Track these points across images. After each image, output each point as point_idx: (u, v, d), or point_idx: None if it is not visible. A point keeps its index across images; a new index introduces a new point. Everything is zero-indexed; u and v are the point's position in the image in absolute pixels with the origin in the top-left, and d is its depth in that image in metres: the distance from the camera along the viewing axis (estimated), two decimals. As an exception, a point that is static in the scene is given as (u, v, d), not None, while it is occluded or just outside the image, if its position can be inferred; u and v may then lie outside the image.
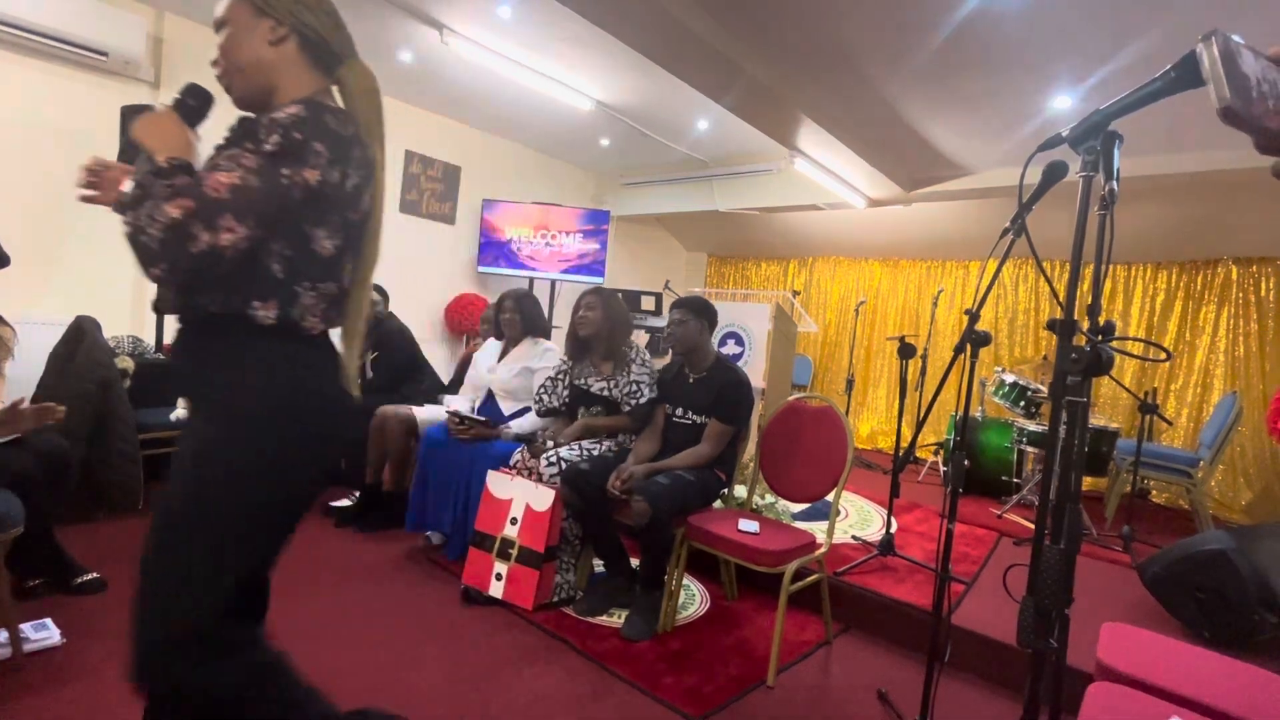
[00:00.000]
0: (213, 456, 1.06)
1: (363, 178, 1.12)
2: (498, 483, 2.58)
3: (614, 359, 2.72)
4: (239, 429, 1.07)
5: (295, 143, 1.02)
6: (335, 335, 1.22)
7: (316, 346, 1.16)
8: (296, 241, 1.07)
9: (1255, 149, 0.58)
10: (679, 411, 2.65)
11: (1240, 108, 0.49)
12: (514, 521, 2.49)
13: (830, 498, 2.44)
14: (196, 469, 1.06)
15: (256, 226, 1.00)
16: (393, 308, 3.74)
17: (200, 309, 1.07)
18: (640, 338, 5.02)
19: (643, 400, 2.66)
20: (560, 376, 2.83)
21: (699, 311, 2.61)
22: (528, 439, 2.76)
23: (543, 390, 2.84)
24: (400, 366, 3.57)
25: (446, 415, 2.91)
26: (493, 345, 3.26)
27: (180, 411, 2.95)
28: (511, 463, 2.66)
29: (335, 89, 1.22)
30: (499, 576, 2.45)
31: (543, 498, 2.47)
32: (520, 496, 2.51)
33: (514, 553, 2.45)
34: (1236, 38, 0.54)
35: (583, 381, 2.77)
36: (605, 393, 2.71)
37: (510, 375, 3.03)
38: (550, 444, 2.63)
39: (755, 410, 3.49)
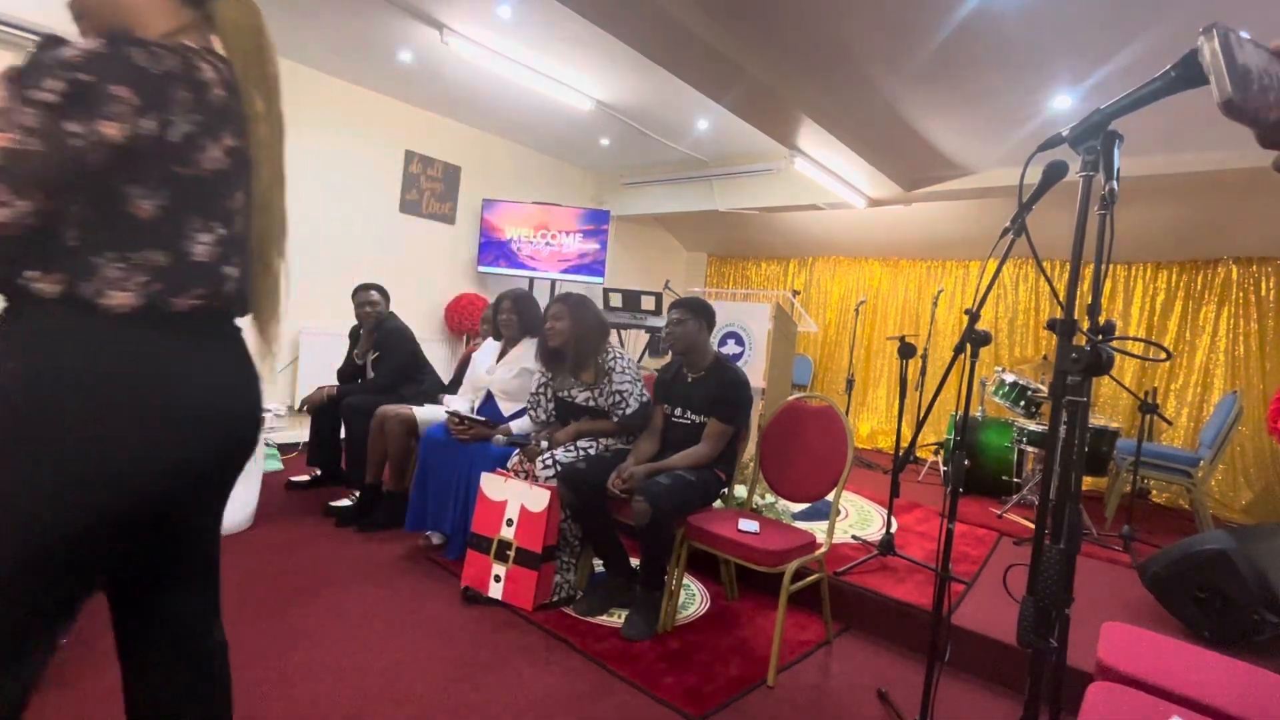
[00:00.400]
0: None
1: (199, 125, 0.90)
2: (492, 485, 2.56)
3: (590, 368, 2.67)
4: None
5: (83, 88, 0.79)
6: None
7: (153, 329, 0.89)
8: (101, 201, 0.85)
9: (1257, 142, 0.57)
10: (677, 411, 2.64)
11: (1241, 101, 0.50)
12: (510, 523, 2.48)
13: (830, 497, 2.44)
14: None
15: (46, 199, 0.80)
16: (393, 308, 3.74)
17: None
18: (640, 337, 5.03)
19: (629, 410, 2.62)
20: (543, 390, 2.81)
21: (697, 311, 2.60)
22: (520, 442, 2.75)
23: (529, 406, 2.83)
24: (401, 366, 3.58)
25: (446, 415, 2.91)
26: (491, 346, 3.26)
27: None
28: (509, 465, 2.65)
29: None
30: (497, 578, 2.45)
31: (538, 498, 2.46)
32: (515, 498, 2.50)
33: (511, 554, 2.45)
34: (1243, 33, 0.53)
35: (566, 394, 2.74)
36: (590, 403, 2.69)
37: (509, 376, 3.03)
38: (545, 444, 2.63)
39: (755, 410, 3.49)
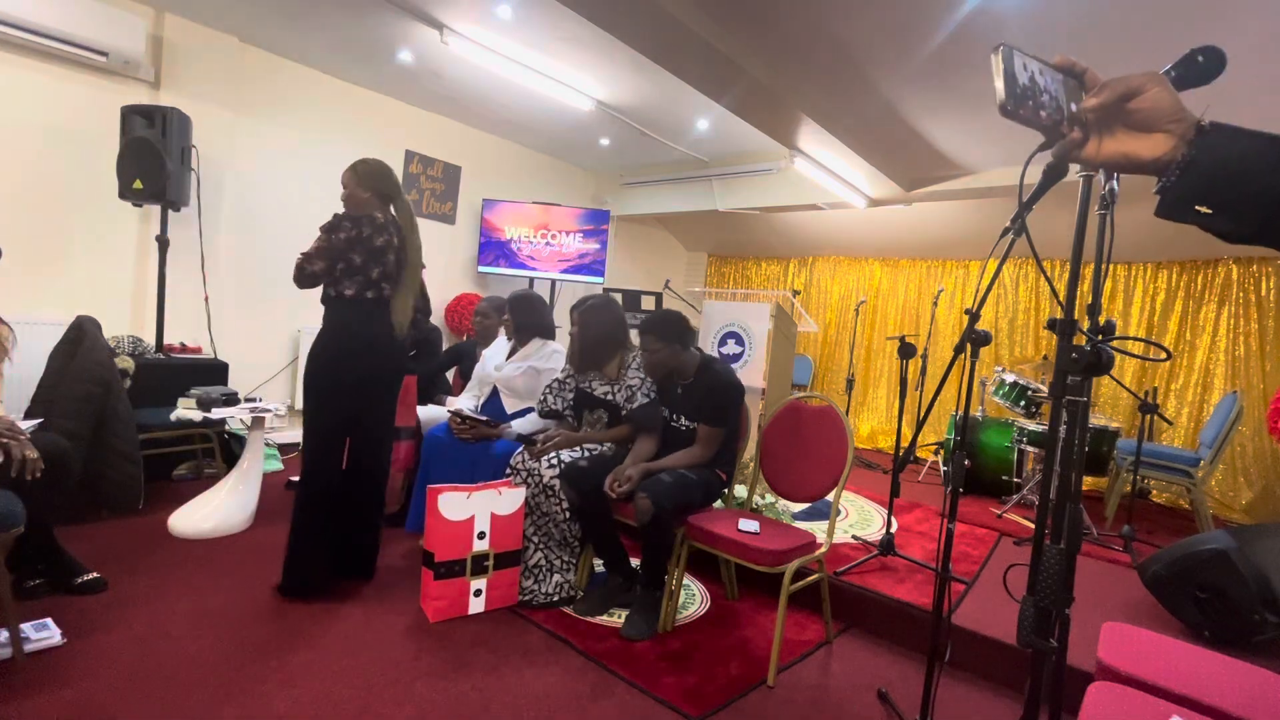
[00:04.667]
0: None
1: (364, 255, 2.39)
2: (451, 504, 2.33)
3: (613, 363, 2.72)
4: None
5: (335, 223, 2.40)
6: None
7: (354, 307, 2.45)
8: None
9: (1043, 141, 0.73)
10: (673, 418, 2.65)
11: (1013, 107, 0.65)
12: (482, 535, 2.39)
13: (830, 497, 2.44)
14: None
15: (327, 264, 2.38)
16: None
17: None
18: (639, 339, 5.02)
19: (636, 405, 2.64)
20: (567, 379, 2.84)
21: (667, 336, 2.55)
22: (527, 440, 2.75)
23: (548, 391, 2.84)
24: (440, 366, 3.66)
25: (449, 415, 2.91)
26: (502, 342, 3.27)
27: (180, 411, 2.95)
28: (511, 463, 2.65)
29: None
30: (478, 593, 2.39)
31: (510, 500, 2.44)
32: (483, 509, 2.39)
33: (490, 564, 2.41)
34: (1028, 53, 0.67)
35: (587, 385, 2.77)
36: (609, 397, 2.71)
37: (516, 373, 3.03)
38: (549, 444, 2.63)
39: (755, 410, 3.49)
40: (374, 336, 2.42)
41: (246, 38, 4.13)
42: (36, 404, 2.78)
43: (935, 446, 5.32)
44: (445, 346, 3.95)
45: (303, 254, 2.32)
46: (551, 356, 3.04)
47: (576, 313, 2.76)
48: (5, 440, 1.79)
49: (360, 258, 2.35)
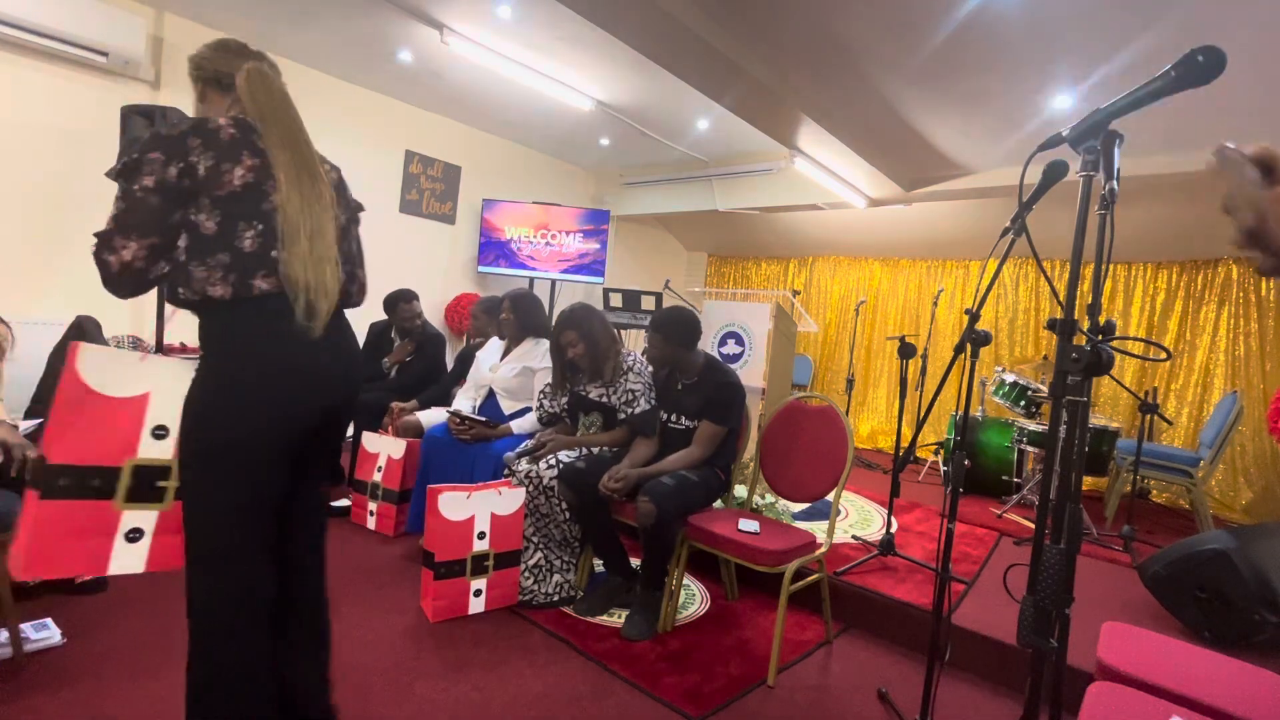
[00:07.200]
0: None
1: (215, 158, 1.25)
2: (451, 504, 2.33)
3: (605, 375, 2.67)
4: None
5: (131, 162, 1.22)
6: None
7: (240, 310, 1.28)
8: (190, 230, 1.26)
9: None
10: (671, 417, 2.65)
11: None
12: (482, 535, 2.39)
13: (830, 497, 2.44)
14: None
15: (143, 235, 1.23)
16: (394, 308, 3.76)
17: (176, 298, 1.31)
18: (640, 337, 5.02)
19: (638, 410, 2.63)
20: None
21: (671, 339, 2.58)
22: (529, 450, 2.70)
23: (543, 396, 2.83)
24: (430, 369, 3.65)
25: (448, 415, 2.92)
26: (495, 344, 3.27)
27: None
28: (505, 461, 2.65)
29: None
30: (478, 593, 2.39)
31: (510, 500, 2.44)
32: (483, 509, 2.39)
33: (490, 563, 2.41)
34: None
35: (581, 389, 2.76)
36: (604, 399, 2.70)
37: (511, 374, 3.03)
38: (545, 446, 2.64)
39: (755, 410, 3.49)
40: (320, 366, 1.34)
41: (247, 38, 4.12)
42: (36, 404, 2.77)
43: (935, 446, 5.32)
44: (446, 349, 3.96)
45: (98, 234, 1.26)
46: (545, 355, 3.03)
47: (574, 331, 2.61)
48: (5, 439, 1.79)
49: (210, 214, 1.24)
